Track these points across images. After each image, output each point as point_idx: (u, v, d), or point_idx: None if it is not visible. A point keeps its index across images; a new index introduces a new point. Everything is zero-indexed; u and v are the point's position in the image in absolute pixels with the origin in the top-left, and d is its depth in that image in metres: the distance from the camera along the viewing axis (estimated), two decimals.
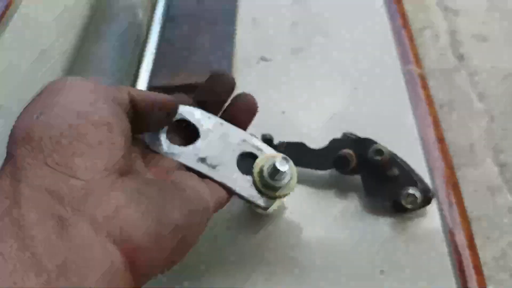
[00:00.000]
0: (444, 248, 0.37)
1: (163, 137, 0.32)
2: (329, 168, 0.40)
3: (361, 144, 0.38)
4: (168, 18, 0.57)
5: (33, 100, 0.25)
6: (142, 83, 0.49)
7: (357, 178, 0.39)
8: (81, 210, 0.22)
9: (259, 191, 0.32)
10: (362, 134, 0.41)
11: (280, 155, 0.32)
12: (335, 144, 0.40)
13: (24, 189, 0.22)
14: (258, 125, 0.39)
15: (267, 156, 0.32)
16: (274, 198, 0.32)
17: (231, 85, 0.34)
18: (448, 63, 1.31)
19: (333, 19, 0.57)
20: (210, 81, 0.34)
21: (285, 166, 0.31)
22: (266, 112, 0.39)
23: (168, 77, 0.51)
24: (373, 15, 0.57)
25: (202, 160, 0.31)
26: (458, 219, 0.39)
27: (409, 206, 0.37)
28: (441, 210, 0.39)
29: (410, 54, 0.54)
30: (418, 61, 0.54)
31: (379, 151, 0.37)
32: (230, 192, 0.31)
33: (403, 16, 0.60)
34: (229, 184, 0.31)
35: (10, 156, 0.23)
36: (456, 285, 0.36)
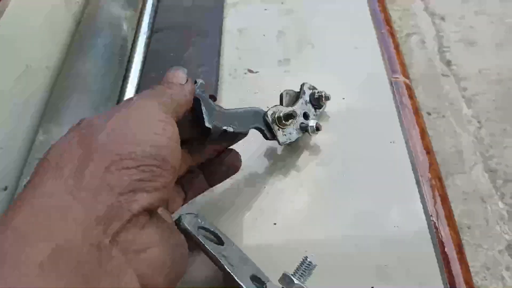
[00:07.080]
0: (433, 261, 0.37)
1: None
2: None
3: None
4: (153, 31, 0.57)
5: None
6: None
7: None
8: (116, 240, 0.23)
9: None
10: (348, 145, 0.41)
11: None
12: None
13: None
14: (246, 139, 0.39)
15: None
16: None
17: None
18: (435, 68, 1.31)
19: (319, 29, 0.57)
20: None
21: None
22: None
23: None
24: (359, 24, 0.57)
25: None
26: (447, 231, 0.39)
27: None
28: (430, 222, 0.39)
29: (397, 63, 0.54)
30: (404, 70, 0.55)
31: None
32: None
33: (389, 24, 0.60)
34: None
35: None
36: None
